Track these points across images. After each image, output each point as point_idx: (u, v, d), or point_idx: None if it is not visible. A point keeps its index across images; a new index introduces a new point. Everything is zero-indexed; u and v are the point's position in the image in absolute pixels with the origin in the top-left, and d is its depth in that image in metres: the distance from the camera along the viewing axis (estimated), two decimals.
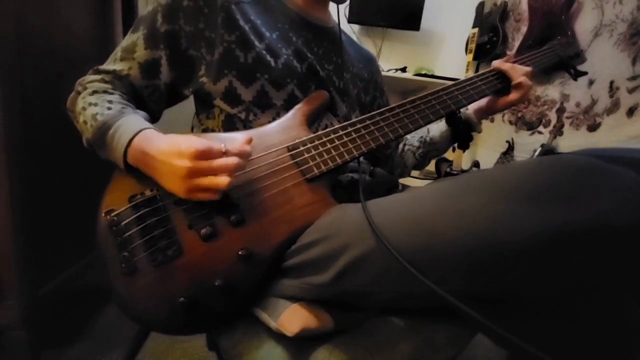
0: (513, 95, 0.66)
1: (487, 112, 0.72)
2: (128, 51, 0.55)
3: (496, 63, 0.68)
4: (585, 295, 0.33)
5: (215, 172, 0.41)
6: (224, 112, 0.57)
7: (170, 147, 0.42)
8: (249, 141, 0.46)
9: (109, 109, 0.49)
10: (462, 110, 0.71)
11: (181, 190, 0.42)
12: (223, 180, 0.41)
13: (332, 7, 0.69)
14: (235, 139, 0.50)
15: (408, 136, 0.83)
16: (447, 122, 0.74)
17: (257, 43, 0.56)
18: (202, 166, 0.41)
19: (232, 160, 0.42)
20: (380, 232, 0.37)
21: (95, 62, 0.56)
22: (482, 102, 0.71)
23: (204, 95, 0.57)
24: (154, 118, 0.60)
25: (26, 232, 0.72)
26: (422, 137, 0.78)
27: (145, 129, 0.47)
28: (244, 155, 0.44)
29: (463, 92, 0.62)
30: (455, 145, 0.76)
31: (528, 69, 0.68)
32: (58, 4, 0.84)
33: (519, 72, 0.66)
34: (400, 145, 0.82)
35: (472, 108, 0.72)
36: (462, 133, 0.73)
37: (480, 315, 0.37)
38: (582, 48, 1.19)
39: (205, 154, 0.41)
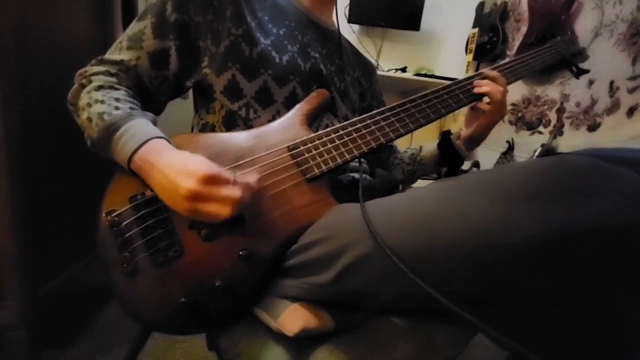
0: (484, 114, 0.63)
1: (475, 136, 0.67)
2: (135, 40, 0.53)
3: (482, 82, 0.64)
4: (585, 295, 0.33)
5: (218, 201, 0.40)
6: (224, 107, 0.56)
7: (178, 165, 0.41)
8: (260, 177, 0.44)
9: (117, 108, 0.47)
10: (453, 139, 0.70)
11: (182, 209, 0.41)
12: (224, 210, 0.40)
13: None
14: (240, 144, 0.50)
15: (401, 149, 0.83)
16: (438, 145, 0.73)
17: (262, 39, 0.56)
18: (206, 192, 0.40)
19: (237, 193, 0.40)
20: (377, 233, 0.37)
21: None
22: (471, 126, 0.67)
23: (205, 87, 0.57)
24: (158, 110, 0.59)
25: (26, 232, 0.72)
26: (413, 154, 0.78)
27: (153, 137, 0.46)
28: (250, 190, 0.43)
29: (464, 91, 0.62)
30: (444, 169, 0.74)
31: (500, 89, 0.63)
32: (58, 4, 0.84)
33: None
34: (391, 158, 0.82)
35: (463, 135, 0.69)
36: (452, 158, 0.71)
37: (480, 315, 0.37)
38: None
39: (213, 180, 0.40)
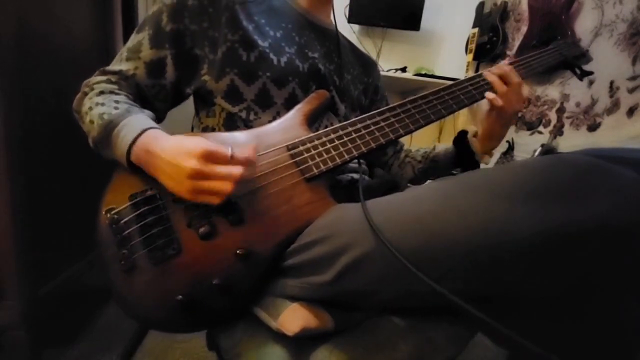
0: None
1: (490, 134, 0.66)
2: (134, 51, 0.55)
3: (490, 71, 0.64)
4: (585, 295, 0.33)
5: (220, 178, 0.41)
6: (225, 110, 0.57)
7: (176, 146, 0.42)
8: (255, 149, 0.45)
9: (116, 108, 0.49)
10: (469, 137, 0.69)
11: (185, 190, 0.42)
12: (228, 186, 0.41)
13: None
14: (239, 143, 0.50)
15: (412, 148, 0.82)
16: (454, 142, 0.72)
17: (260, 42, 0.56)
18: (208, 169, 0.41)
19: (237, 170, 0.42)
20: (380, 231, 0.37)
21: (96, 63, 0.56)
22: (485, 125, 0.66)
23: (205, 94, 0.57)
24: (158, 118, 0.60)
25: (26, 232, 0.72)
26: (425, 152, 0.77)
27: (150, 128, 0.47)
28: (249, 164, 0.44)
29: (465, 92, 0.62)
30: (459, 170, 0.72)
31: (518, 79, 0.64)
32: (58, 4, 0.84)
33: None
34: (402, 156, 0.81)
35: (479, 134, 0.68)
36: (465, 157, 0.70)
37: (480, 314, 0.37)
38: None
39: (213, 156, 0.41)
